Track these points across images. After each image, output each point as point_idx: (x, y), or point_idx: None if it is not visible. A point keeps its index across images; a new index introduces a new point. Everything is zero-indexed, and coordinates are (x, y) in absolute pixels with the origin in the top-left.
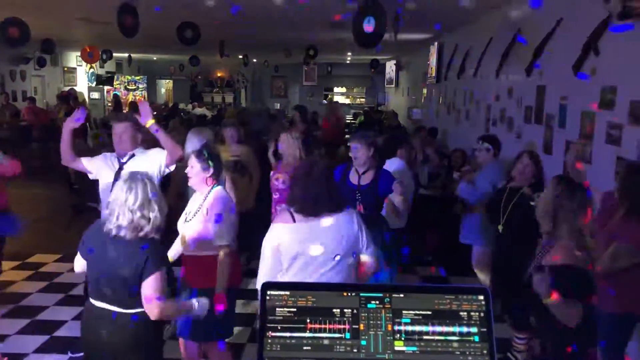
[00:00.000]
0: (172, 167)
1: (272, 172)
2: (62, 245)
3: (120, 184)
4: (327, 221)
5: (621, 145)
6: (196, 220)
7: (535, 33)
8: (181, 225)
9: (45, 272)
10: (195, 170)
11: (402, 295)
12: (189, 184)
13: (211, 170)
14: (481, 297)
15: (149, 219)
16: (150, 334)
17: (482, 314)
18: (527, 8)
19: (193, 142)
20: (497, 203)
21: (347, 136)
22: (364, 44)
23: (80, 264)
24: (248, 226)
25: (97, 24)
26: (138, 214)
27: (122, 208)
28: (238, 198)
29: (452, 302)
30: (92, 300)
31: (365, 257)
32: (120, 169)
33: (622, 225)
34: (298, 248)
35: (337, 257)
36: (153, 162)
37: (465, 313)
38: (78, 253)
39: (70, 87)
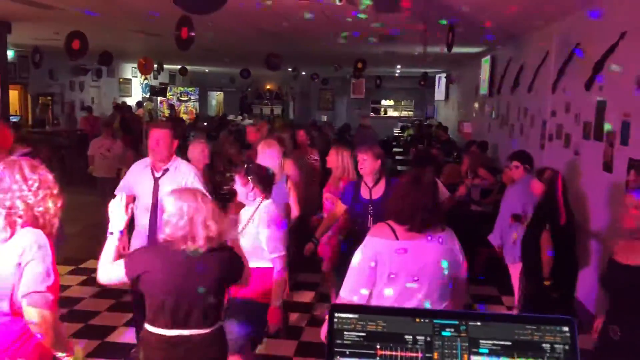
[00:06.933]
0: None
1: (324, 190)
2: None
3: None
4: (433, 239)
5: None
6: (246, 232)
7: (595, 46)
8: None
9: None
10: (246, 183)
11: (479, 323)
12: (239, 198)
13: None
14: (566, 329)
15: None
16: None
17: (567, 347)
18: (586, 21)
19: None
20: None
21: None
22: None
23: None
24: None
25: (152, 36)
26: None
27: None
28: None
29: (534, 333)
30: (159, 329)
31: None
32: (157, 185)
33: None
34: (398, 268)
35: (443, 281)
36: (183, 178)
37: (548, 345)
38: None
39: (123, 101)
